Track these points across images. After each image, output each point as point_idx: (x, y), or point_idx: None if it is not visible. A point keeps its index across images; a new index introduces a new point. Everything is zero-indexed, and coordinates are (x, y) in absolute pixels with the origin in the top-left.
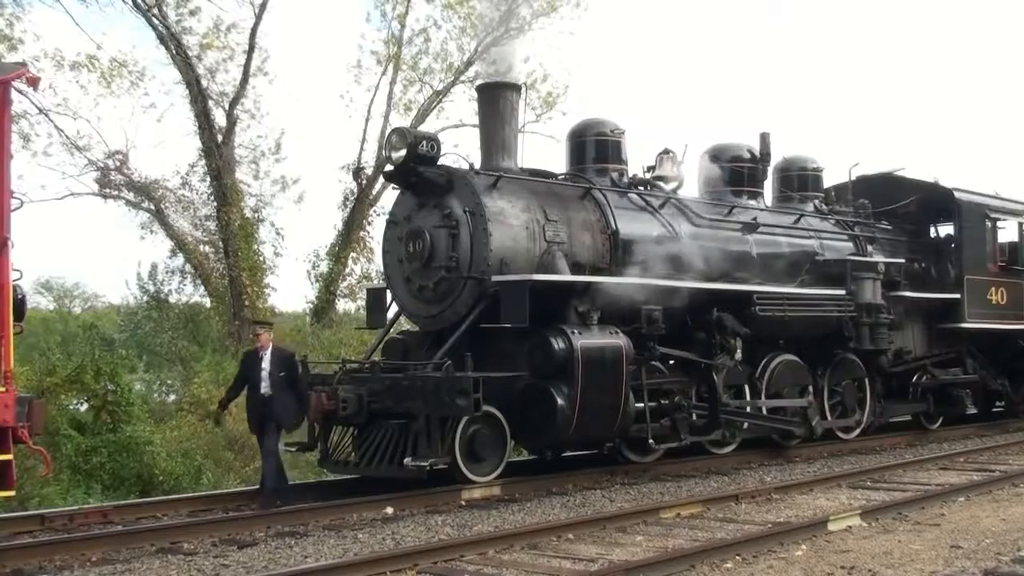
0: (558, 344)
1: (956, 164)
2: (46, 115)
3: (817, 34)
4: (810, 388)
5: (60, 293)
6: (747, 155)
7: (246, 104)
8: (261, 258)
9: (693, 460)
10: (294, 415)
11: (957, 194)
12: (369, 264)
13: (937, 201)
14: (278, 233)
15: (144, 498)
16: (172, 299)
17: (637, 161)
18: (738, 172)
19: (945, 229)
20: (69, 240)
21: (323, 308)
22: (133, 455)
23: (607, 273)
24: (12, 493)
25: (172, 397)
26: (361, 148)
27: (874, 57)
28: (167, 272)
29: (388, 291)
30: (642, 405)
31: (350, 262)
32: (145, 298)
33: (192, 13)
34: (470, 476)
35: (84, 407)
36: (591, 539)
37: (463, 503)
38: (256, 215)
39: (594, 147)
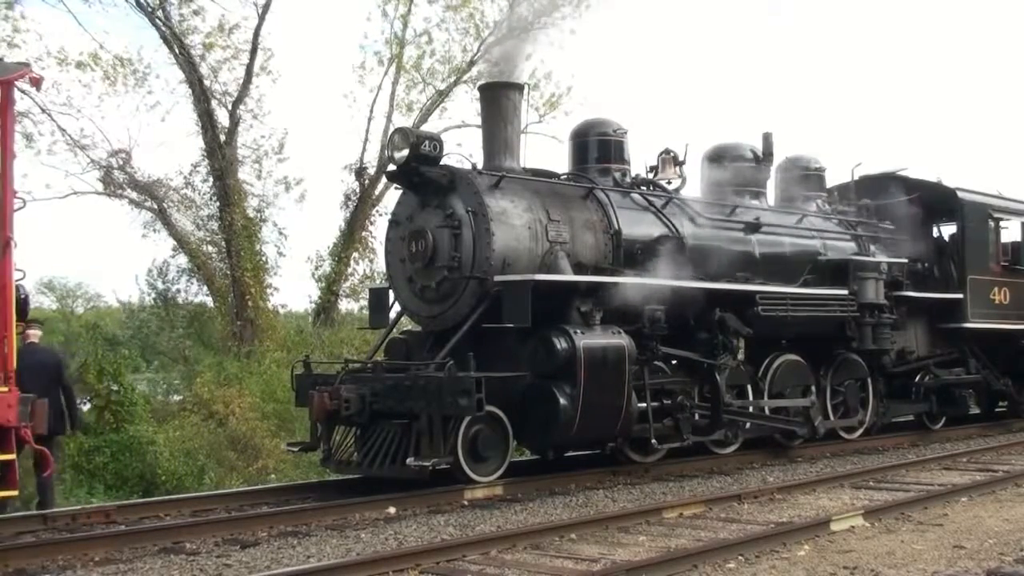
0: (561, 344)
1: (959, 164)
2: (49, 114)
3: (819, 34)
4: (813, 388)
5: (63, 293)
6: (749, 155)
7: (249, 104)
8: (263, 258)
9: (695, 460)
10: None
11: (960, 194)
12: (371, 264)
13: (940, 201)
14: (281, 233)
15: (147, 498)
16: (179, 299)
17: (640, 161)
18: (740, 172)
19: (948, 229)
20: (72, 240)
21: (325, 308)
22: (136, 455)
23: (609, 273)
24: (15, 493)
25: (177, 397)
26: (363, 148)
27: (877, 56)
28: (178, 271)
29: (390, 291)
30: (645, 405)
31: (352, 262)
32: (152, 296)
33: (196, 13)
34: (472, 476)
35: (87, 407)
36: (594, 539)
37: (465, 503)
38: (259, 215)
39: (596, 147)
